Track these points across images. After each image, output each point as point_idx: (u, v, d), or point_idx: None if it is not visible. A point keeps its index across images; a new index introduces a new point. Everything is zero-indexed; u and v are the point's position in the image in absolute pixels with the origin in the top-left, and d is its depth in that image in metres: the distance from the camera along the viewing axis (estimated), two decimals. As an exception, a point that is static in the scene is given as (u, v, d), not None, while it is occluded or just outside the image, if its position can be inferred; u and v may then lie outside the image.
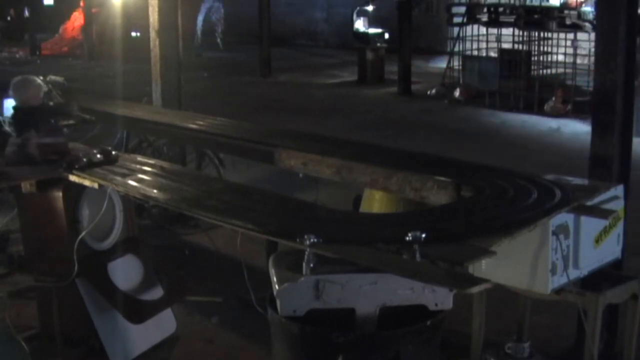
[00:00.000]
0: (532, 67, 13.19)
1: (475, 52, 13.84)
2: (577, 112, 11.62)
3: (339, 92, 14.75)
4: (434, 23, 19.41)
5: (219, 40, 20.45)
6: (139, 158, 4.77)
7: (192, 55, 17.40)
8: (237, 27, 20.94)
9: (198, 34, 19.65)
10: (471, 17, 13.56)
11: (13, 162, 4.46)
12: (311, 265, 2.82)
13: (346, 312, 2.83)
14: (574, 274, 3.45)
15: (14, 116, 4.81)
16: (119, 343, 4.41)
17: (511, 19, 12.84)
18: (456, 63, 13.86)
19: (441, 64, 15.70)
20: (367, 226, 3.28)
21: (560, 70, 13.09)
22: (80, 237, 4.27)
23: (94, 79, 15.17)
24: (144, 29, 12.41)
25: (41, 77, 7.34)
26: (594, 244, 3.53)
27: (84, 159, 4.28)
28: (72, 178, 4.22)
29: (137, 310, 4.43)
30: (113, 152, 4.48)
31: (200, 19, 19.95)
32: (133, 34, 19.16)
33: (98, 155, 4.33)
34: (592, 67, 4.62)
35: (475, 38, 13.93)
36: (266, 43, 16.32)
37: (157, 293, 4.61)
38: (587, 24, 11.97)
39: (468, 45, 13.80)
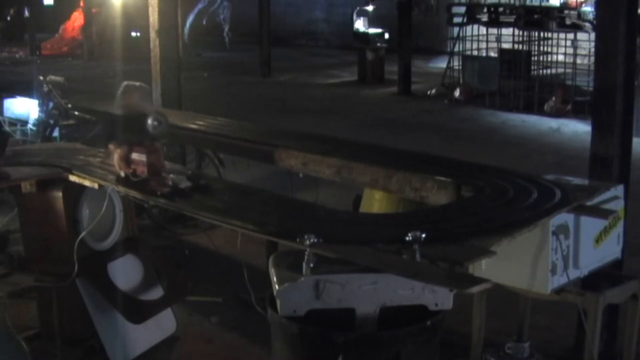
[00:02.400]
0: (532, 67, 13.19)
1: (475, 52, 13.84)
2: (577, 112, 11.63)
3: (339, 92, 14.75)
4: (434, 23, 19.41)
5: (226, 39, 20.47)
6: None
7: (190, 55, 17.42)
8: (237, 27, 20.93)
9: (186, 33, 19.63)
10: (471, 17, 13.55)
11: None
12: (311, 265, 2.82)
13: (346, 312, 2.82)
14: (574, 274, 3.45)
15: (107, 123, 4.32)
16: (119, 343, 4.41)
17: (511, 19, 12.83)
18: (456, 63, 13.86)
19: (441, 64, 15.70)
20: (367, 226, 3.28)
21: (560, 70, 13.09)
22: (80, 237, 4.27)
23: (94, 79, 15.17)
24: (144, 29, 12.43)
25: (41, 77, 7.37)
26: (594, 244, 3.53)
27: (169, 183, 3.80)
28: (72, 178, 4.22)
29: (137, 310, 4.43)
30: (202, 180, 3.99)
31: (190, 18, 19.94)
32: (133, 34, 19.16)
33: (186, 181, 3.85)
34: (592, 67, 4.61)
35: (475, 38, 13.93)
36: (266, 43, 16.32)
37: (157, 293, 4.61)
38: (587, 24, 11.97)
39: (468, 45, 13.79)
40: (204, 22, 20.65)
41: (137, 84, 4.18)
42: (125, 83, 4.17)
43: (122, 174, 3.93)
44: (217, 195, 3.78)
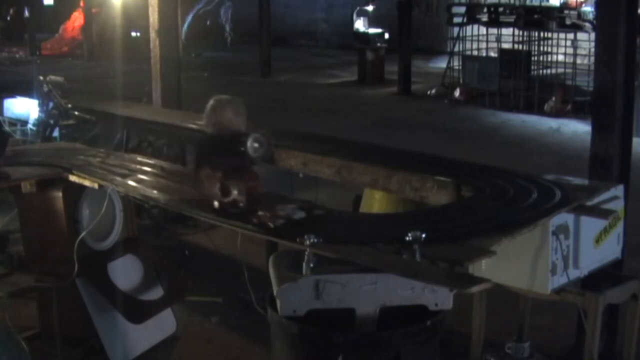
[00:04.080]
0: (532, 67, 13.19)
1: (475, 52, 13.84)
2: (577, 112, 11.63)
3: (339, 92, 14.75)
4: (434, 23, 19.41)
5: (228, 38, 20.50)
6: (139, 158, 4.77)
7: (190, 55, 17.42)
8: (238, 27, 20.93)
9: (183, 32, 19.64)
10: (471, 17, 13.56)
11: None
12: (311, 265, 2.82)
13: (346, 312, 2.83)
14: (574, 274, 3.45)
15: (198, 145, 3.77)
16: (119, 343, 4.41)
17: (511, 19, 12.83)
18: (456, 63, 13.86)
19: (441, 64, 15.70)
20: (367, 226, 3.28)
21: (560, 70, 13.09)
22: (80, 237, 4.27)
23: (94, 79, 15.17)
24: (144, 29, 12.43)
25: (41, 77, 7.37)
26: (594, 244, 3.53)
27: (281, 213, 3.24)
28: (72, 178, 4.22)
29: (137, 310, 4.43)
30: (317, 210, 3.38)
31: (189, 18, 19.95)
32: (133, 34, 19.16)
33: (300, 212, 3.27)
34: (592, 67, 4.61)
35: (475, 38, 13.93)
36: (266, 43, 16.32)
37: (157, 293, 4.61)
38: (587, 24, 11.97)
39: (468, 45, 13.80)
40: (208, 23, 20.68)
41: (229, 97, 3.72)
42: (215, 97, 3.69)
43: (216, 204, 3.39)
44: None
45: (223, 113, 3.61)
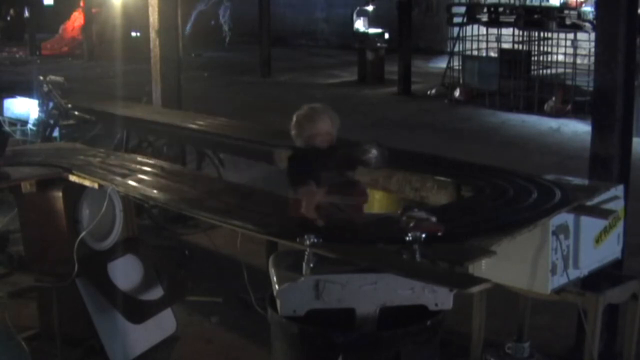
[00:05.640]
0: (532, 67, 13.18)
1: (475, 52, 13.84)
2: (577, 112, 11.63)
3: (339, 92, 14.75)
4: (434, 23, 19.41)
5: (227, 38, 20.54)
6: (139, 158, 4.77)
7: (190, 55, 17.44)
8: (238, 27, 20.94)
9: (187, 31, 19.68)
10: (471, 17, 13.56)
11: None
12: (311, 265, 2.82)
13: (346, 312, 2.83)
14: (574, 274, 3.45)
15: (290, 161, 3.38)
16: (119, 343, 4.41)
17: (511, 19, 12.83)
18: (456, 63, 13.86)
19: (441, 64, 15.70)
20: (367, 226, 3.28)
21: (560, 70, 13.09)
22: (80, 237, 4.27)
23: (94, 79, 15.17)
24: (144, 29, 12.43)
25: (41, 77, 7.38)
26: (594, 244, 3.53)
27: (409, 224, 2.91)
28: (72, 178, 4.22)
29: (137, 310, 4.43)
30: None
31: (192, 17, 19.99)
32: (133, 34, 19.16)
33: (432, 219, 2.99)
34: (592, 67, 4.61)
35: (475, 38, 13.93)
36: (266, 43, 16.32)
37: (157, 293, 4.61)
38: (587, 24, 11.97)
39: (468, 45, 13.79)
40: (212, 22, 20.73)
41: (323, 105, 3.45)
42: (310, 106, 3.39)
43: (320, 222, 3.02)
44: (217, 195, 3.71)
45: (320, 123, 3.33)
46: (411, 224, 2.91)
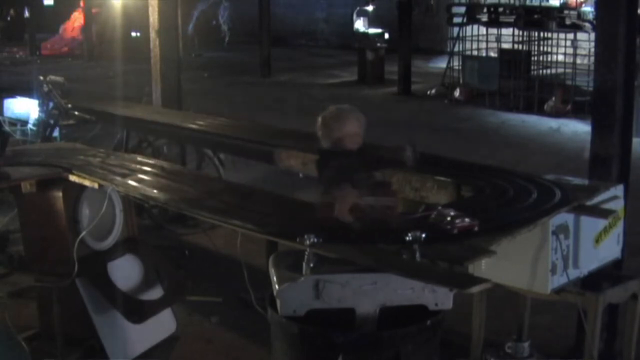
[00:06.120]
0: (532, 67, 13.18)
1: (475, 52, 13.84)
2: (577, 112, 11.62)
3: (339, 92, 14.74)
4: (434, 23, 19.41)
5: (226, 38, 20.54)
6: (139, 158, 4.77)
7: (190, 55, 17.45)
8: (238, 27, 20.94)
9: (190, 29, 19.71)
10: (471, 17, 13.56)
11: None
12: (311, 265, 2.82)
13: (346, 312, 2.83)
14: (573, 273, 3.45)
15: (319, 162, 3.34)
16: (119, 343, 4.41)
17: (511, 19, 12.83)
18: (456, 63, 13.86)
19: (441, 64, 15.69)
20: (367, 226, 3.27)
21: (560, 70, 13.09)
22: (80, 237, 4.27)
23: (94, 79, 15.17)
24: (144, 29, 12.43)
25: (41, 77, 7.38)
26: (594, 243, 3.53)
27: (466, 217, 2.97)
28: (72, 178, 4.22)
29: (137, 310, 4.43)
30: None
31: (194, 16, 20.01)
32: (133, 34, 19.16)
33: (466, 220, 2.99)
34: (592, 67, 4.61)
35: (475, 38, 13.93)
36: (266, 43, 16.32)
37: (157, 293, 4.61)
38: (587, 24, 11.97)
39: (468, 45, 13.79)
40: (214, 22, 20.74)
41: (350, 106, 3.38)
42: (335, 108, 3.31)
43: (357, 224, 3.01)
44: (217, 195, 3.72)
45: (349, 124, 3.27)
46: (446, 222, 2.93)
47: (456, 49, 13.92)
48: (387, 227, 3.04)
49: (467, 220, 2.97)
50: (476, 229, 2.95)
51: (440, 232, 2.93)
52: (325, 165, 3.26)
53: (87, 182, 4.16)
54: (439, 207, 3.10)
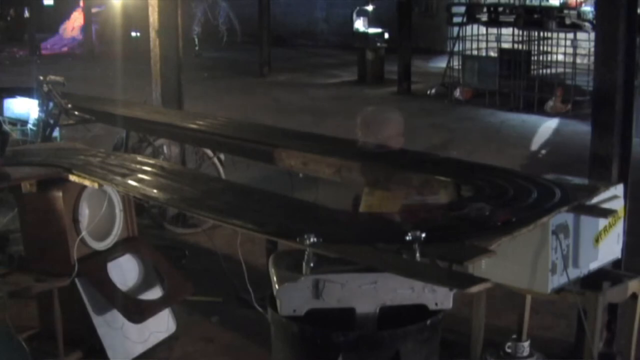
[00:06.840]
0: (532, 67, 13.19)
1: (475, 52, 13.84)
2: (577, 112, 11.63)
3: (339, 92, 14.75)
4: (434, 23, 19.41)
5: (224, 38, 20.55)
6: (139, 158, 4.77)
7: (190, 55, 17.45)
8: (237, 27, 20.94)
9: (195, 29, 19.73)
10: (471, 17, 13.56)
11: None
12: (311, 265, 2.82)
13: (346, 312, 2.83)
14: (573, 273, 3.46)
15: (365, 164, 3.37)
16: (119, 343, 4.41)
17: (511, 18, 12.83)
18: (456, 63, 13.86)
19: (441, 64, 15.69)
20: (367, 226, 3.28)
21: (560, 70, 13.09)
22: (80, 237, 4.27)
23: (94, 79, 15.16)
24: (144, 29, 12.42)
25: (41, 77, 7.37)
26: (594, 243, 3.53)
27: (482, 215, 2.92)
28: (72, 178, 4.22)
29: (137, 310, 4.43)
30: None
31: (197, 15, 20.02)
32: (133, 34, 19.17)
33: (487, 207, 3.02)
34: (592, 67, 4.61)
35: (475, 38, 13.93)
36: (266, 43, 16.32)
37: (157, 293, 4.61)
38: (587, 24, 11.97)
39: (468, 45, 13.80)
40: (214, 23, 20.74)
41: (389, 107, 3.35)
42: (377, 110, 3.29)
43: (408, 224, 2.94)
44: (217, 195, 3.72)
45: (392, 126, 3.29)
46: (486, 215, 2.96)
47: (456, 48, 13.92)
48: (436, 225, 3.01)
49: (504, 210, 3.02)
50: (514, 219, 2.97)
51: (484, 226, 2.96)
52: (369, 167, 3.27)
53: (87, 182, 4.16)
54: (470, 203, 3.11)
